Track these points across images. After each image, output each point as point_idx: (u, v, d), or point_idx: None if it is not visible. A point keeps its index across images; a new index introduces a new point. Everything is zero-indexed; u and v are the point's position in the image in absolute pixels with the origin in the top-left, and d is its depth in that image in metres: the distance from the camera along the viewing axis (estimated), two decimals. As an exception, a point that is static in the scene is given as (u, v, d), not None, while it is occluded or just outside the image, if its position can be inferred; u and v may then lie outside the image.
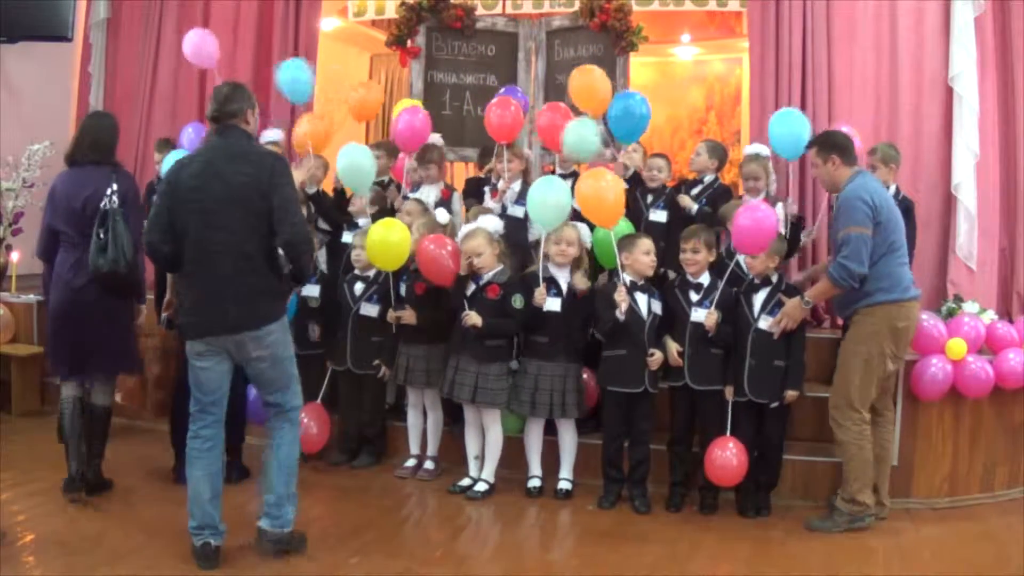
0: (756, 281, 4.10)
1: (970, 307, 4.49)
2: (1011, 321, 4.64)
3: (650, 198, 4.86)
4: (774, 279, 4.08)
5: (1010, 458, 4.40)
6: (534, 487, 4.31)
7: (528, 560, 3.59)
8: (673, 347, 4.08)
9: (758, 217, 3.92)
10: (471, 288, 4.22)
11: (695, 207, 4.74)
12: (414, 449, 4.63)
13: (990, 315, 4.48)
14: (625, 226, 4.37)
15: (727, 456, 3.98)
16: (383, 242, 4.32)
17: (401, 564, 3.47)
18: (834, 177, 3.98)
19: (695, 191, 4.88)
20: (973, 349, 4.23)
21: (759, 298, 4.07)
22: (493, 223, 4.31)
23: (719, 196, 4.81)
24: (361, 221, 4.84)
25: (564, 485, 4.30)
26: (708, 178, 4.91)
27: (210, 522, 3.33)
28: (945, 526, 4.08)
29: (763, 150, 4.84)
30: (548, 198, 4.20)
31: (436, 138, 5.17)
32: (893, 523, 4.07)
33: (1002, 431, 4.37)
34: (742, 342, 4.05)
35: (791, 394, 4.01)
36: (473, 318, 4.13)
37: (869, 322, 3.90)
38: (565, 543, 3.83)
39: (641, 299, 4.12)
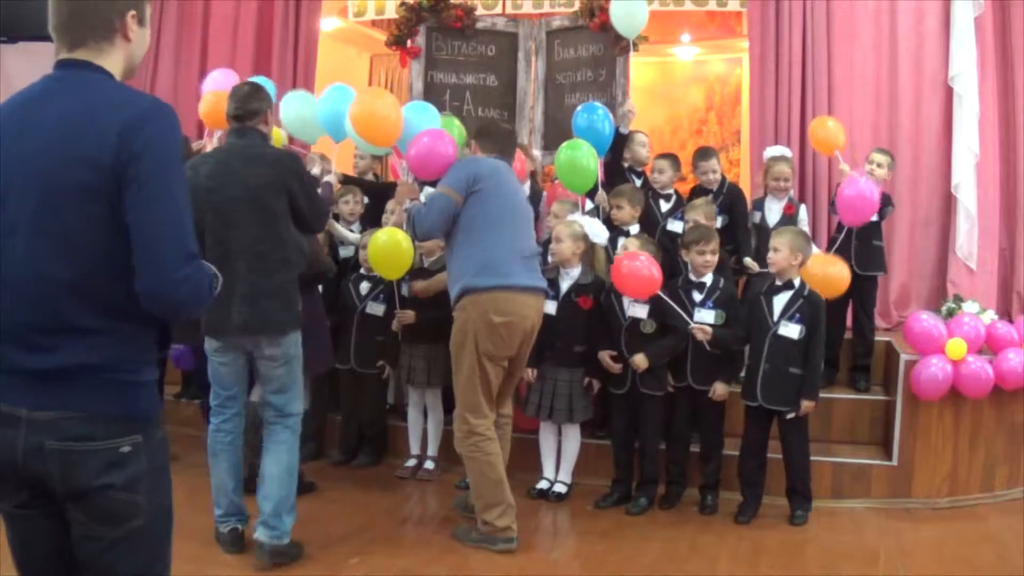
0: (777, 283, 3.97)
1: (970, 307, 4.49)
2: (1011, 321, 4.64)
3: (663, 205, 4.79)
4: (796, 283, 3.93)
5: (1010, 458, 4.39)
6: (542, 488, 4.30)
7: (528, 560, 3.58)
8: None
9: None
10: None
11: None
12: (414, 449, 4.63)
13: (990, 315, 4.48)
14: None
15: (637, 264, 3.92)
16: (385, 250, 4.19)
17: (401, 564, 3.47)
18: None
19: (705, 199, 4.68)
20: (973, 349, 4.23)
21: (779, 301, 3.93)
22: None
23: (736, 199, 4.78)
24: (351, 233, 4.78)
25: (560, 488, 4.28)
26: (716, 184, 4.81)
27: (236, 510, 3.49)
28: (945, 526, 4.08)
29: (787, 151, 4.83)
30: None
31: None
32: (893, 523, 4.07)
33: (1002, 431, 4.37)
34: (758, 346, 3.93)
35: (807, 404, 3.86)
36: None
37: (462, 317, 3.51)
38: (565, 543, 3.84)
39: (627, 300, 4.10)
